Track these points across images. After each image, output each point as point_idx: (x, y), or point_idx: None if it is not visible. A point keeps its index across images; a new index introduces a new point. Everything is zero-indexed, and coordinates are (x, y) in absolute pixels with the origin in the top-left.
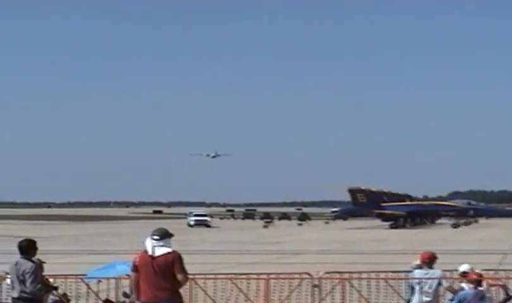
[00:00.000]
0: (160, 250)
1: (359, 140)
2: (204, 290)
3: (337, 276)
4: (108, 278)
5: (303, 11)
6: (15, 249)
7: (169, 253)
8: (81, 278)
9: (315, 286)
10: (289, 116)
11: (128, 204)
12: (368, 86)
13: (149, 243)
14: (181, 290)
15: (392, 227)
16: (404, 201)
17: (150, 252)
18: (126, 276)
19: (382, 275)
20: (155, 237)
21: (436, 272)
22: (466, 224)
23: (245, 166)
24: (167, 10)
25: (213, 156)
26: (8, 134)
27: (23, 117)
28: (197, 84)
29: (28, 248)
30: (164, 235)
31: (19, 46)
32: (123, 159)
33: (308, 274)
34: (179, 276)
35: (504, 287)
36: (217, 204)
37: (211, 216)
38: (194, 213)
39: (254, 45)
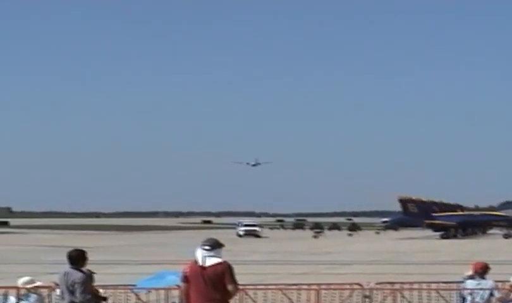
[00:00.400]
0: (211, 261)
1: (410, 149)
2: (254, 301)
3: (388, 286)
4: (158, 289)
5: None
6: (64, 259)
7: (219, 263)
8: (131, 289)
9: (365, 296)
10: (339, 124)
11: (177, 214)
12: (420, 95)
13: (199, 254)
14: (231, 301)
15: (443, 237)
16: (455, 211)
17: (200, 263)
18: (176, 287)
19: (434, 286)
20: (206, 247)
21: (488, 282)
22: None
23: (295, 175)
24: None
25: (254, 165)
26: (58, 146)
27: (76, 129)
28: (239, 93)
29: (77, 258)
30: (215, 245)
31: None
32: (172, 169)
33: (359, 284)
34: (230, 287)
35: None
36: (266, 214)
37: (260, 226)
38: (243, 223)
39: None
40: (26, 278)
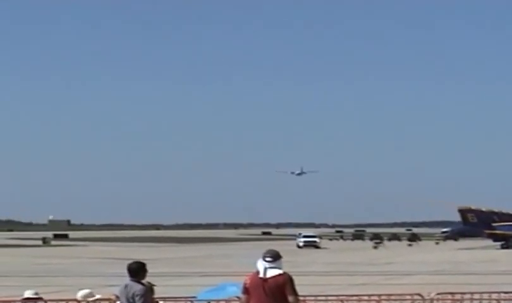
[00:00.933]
0: (272, 272)
1: (470, 159)
2: None
3: (449, 297)
4: (218, 300)
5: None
6: (124, 271)
7: (280, 275)
8: (191, 300)
9: None
10: (398, 133)
11: (236, 226)
12: (482, 102)
13: (261, 265)
14: None
15: (503, 247)
16: None
17: (261, 274)
18: (236, 298)
19: (494, 296)
20: (267, 259)
21: None
22: None
23: (354, 185)
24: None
25: (299, 174)
26: (116, 159)
27: (134, 142)
28: (283, 101)
29: (137, 270)
30: (276, 257)
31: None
32: (231, 180)
33: (420, 295)
34: (291, 298)
35: None
36: (326, 225)
37: (320, 237)
38: (303, 234)
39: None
40: (85, 291)
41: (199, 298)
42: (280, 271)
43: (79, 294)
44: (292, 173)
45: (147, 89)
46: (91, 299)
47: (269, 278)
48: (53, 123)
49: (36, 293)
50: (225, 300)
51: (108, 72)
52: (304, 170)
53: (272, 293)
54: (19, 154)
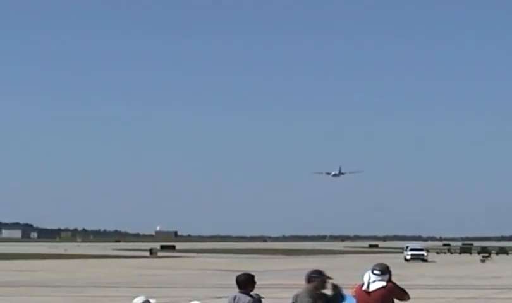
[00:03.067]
0: (376, 285)
1: None
2: None
3: None
4: None
5: None
6: (232, 282)
7: (383, 287)
8: None
9: None
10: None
11: (343, 238)
12: None
13: (366, 278)
14: None
15: None
16: None
17: (365, 287)
18: None
19: None
20: (376, 272)
21: None
22: None
23: (463, 198)
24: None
25: (335, 175)
26: (220, 173)
27: (239, 156)
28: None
29: (246, 282)
30: (385, 271)
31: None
32: (336, 193)
33: None
34: (403, 296)
35: None
36: (433, 238)
37: (427, 250)
38: (410, 247)
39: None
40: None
41: None
42: (383, 284)
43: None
44: (328, 174)
45: None
46: None
47: (373, 290)
48: (161, 137)
49: (147, 300)
50: None
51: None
52: (343, 171)
53: None
54: (127, 168)
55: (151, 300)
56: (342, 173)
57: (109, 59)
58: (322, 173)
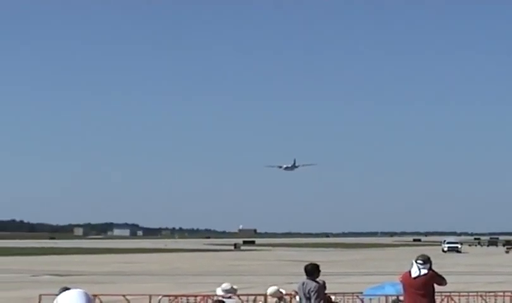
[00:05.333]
0: (421, 272)
1: None
2: None
3: None
4: (379, 296)
5: None
6: (301, 271)
7: (425, 274)
8: (357, 295)
9: None
10: None
11: (392, 234)
12: None
13: (414, 266)
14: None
15: None
16: None
17: (413, 274)
18: (394, 295)
19: None
20: (419, 261)
21: None
22: None
23: (492, 196)
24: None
25: (287, 168)
26: (293, 175)
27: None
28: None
29: (312, 271)
30: (427, 261)
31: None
32: (388, 193)
33: None
34: (442, 282)
35: None
36: (465, 233)
37: (461, 243)
38: (447, 241)
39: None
40: (274, 288)
41: (364, 294)
42: (426, 271)
43: (269, 290)
44: (280, 167)
45: None
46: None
47: (417, 277)
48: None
49: (231, 288)
50: (385, 296)
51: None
52: (296, 164)
53: (420, 288)
54: (213, 173)
55: (234, 286)
56: (296, 166)
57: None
58: (274, 166)
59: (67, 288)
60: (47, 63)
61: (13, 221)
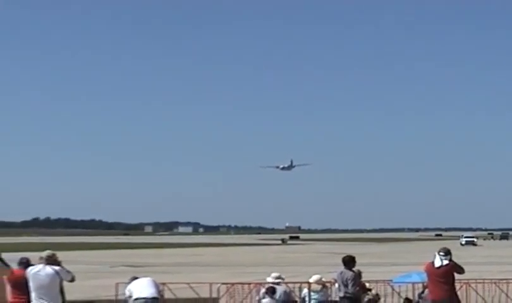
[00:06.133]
0: (443, 262)
1: None
2: (475, 291)
3: None
4: (407, 283)
5: None
6: (339, 262)
7: (447, 265)
8: (388, 283)
9: None
10: None
11: (417, 230)
12: None
13: (437, 258)
14: (459, 292)
15: None
16: None
17: (436, 264)
18: (419, 282)
19: None
20: (441, 253)
21: None
22: None
23: (504, 197)
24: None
25: (283, 168)
26: (334, 177)
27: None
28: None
29: (349, 261)
30: (447, 252)
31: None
32: (413, 193)
33: None
34: (461, 271)
35: None
36: (480, 229)
37: (476, 237)
38: (464, 236)
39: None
40: (317, 276)
41: (394, 281)
42: (447, 262)
43: (312, 278)
44: (277, 167)
45: None
46: (321, 282)
47: (439, 266)
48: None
49: (279, 276)
50: (412, 283)
51: None
52: (293, 164)
53: (442, 277)
54: (262, 176)
55: (282, 276)
56: (293, 166)
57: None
58: (272, 167)
59: (136, 278)
60: (117, 71)
61: (93, 220)
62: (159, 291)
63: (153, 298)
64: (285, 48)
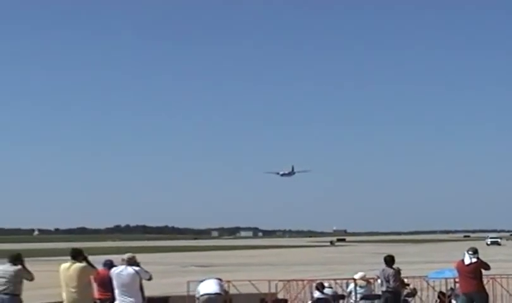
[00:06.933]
0: (472, 260)
1: None
2: (500, 284)
3: None
4: (440, 279)
5: None
6: (381, 260)
7: (475, 262)
8: (423, 278)
9: None
10: None
11: (447, 232)
12: None
13: (466, 256)
14: (486, 286)
15: None
16: None
17: (465, 262)
18: (451, 278)
19: None
20: (470, 252)
21: None
22: None
23: None
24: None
25: (283, 174)
26: (371, 173)
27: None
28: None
29: (390, 260)
30: (475, 251)
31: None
32: (441, 199)
33: None
34: (487, 267)
35: None
36: (503, 230)
37: (500, 238)
38: (489, 236)
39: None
40: (361, 273)
41: (429, 277)
42: (475, 260)
43: (357, 275)
44: (278, 173)
45: None
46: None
47: (469, 264)
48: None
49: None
50: (444, 278)
51: None
52: (294, 170)
53: (471, 272)
54: (310, 179)
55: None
56: (293, 173)
57: None
58: (272, 172)
59: (203, 280)
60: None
61: (166, 226)
62: (223, 289)
63: (216, 293)
64: (286, 56)
